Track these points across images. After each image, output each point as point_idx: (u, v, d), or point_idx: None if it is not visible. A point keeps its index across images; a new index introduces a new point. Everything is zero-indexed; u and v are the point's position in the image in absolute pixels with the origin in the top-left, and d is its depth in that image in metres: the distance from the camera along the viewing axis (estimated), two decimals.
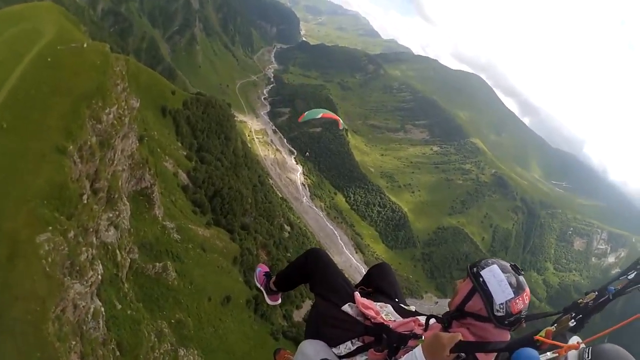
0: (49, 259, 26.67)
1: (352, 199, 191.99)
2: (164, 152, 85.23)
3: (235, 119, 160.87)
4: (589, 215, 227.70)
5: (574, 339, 2.50)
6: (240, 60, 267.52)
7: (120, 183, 49.06)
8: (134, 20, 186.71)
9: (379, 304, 3.68)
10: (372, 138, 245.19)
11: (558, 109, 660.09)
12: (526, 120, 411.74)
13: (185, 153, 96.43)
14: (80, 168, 36.49)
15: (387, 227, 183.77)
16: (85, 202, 35.54)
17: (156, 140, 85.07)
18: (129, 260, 48.99)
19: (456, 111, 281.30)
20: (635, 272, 2.81)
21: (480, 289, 2.73)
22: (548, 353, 2.33)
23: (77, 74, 42.59)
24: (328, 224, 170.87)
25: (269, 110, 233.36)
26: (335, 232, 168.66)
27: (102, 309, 34.75)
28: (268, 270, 4.98)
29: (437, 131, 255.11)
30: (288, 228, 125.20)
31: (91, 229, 36.35)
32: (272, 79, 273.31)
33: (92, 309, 32.24)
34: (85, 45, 48.24)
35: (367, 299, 3.72)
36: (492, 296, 2.69)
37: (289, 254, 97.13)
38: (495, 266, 2.75)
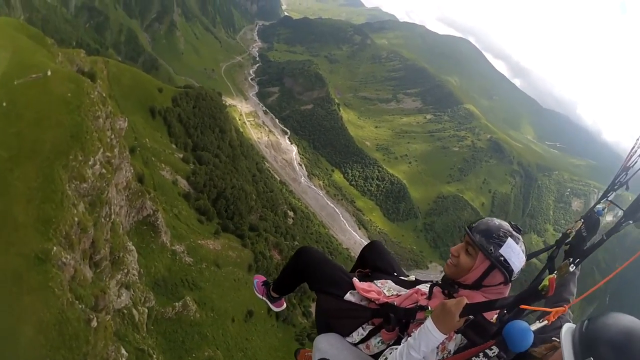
0: None
1: (350, 174, 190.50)
2: (159, 160, 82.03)
3: (225, 103, 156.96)
4: (585, 176, 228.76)
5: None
6: (223, 42, 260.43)
7: (121, 231, 44.79)
8: (109, 13, 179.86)
9: (379, 281, 3.65)
10: (364, 111, 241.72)
11: (549, 70, 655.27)
12: (517, 82, 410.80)
13: (181, 155, 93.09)
14: (73, 263, 30.95)
15: (388, 200, 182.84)
16: (95, 325, 29.53)
17: (149, 148, 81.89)
18: (147, 311, 46.21)
19: (447, 77, 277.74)
20: (614, 193, 3.02)
21: (502, 266, 2.80)
22: (537, 321, 2.36)
23: (42, 122, 35.19)
24: (328, 202, 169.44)
25: (257, 91, 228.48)
26: (337, 210, 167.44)
27: None
28: (265, 279, 4.87)
29: (429, 99, 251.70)
30: (291, 214, 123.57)
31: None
32: (257, 58, 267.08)
33: None
34: (49, 72, 40.37)
35: (366, 281, 3.69)
36: (512, 270, 2.81)
37: (296, 242, 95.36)
38: (510, 240, 2.81)
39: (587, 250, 2.58)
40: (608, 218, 3.08)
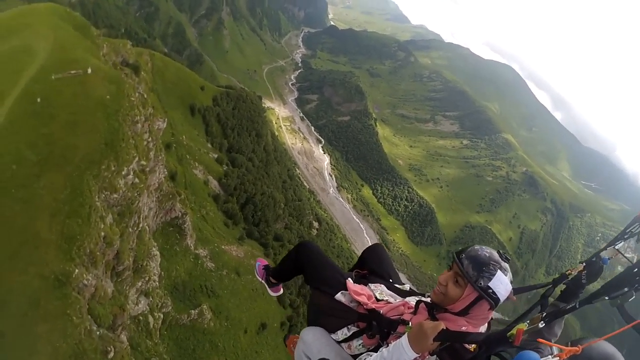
0: None
1: (379, 191, 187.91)
2: (193, 159, 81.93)
3: (263, 105, 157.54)
4: (618, 221, 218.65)
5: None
6: (267, 45, 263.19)
7: (147, 237, 43.48)
8: (160, 5, 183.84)
9: (373, 285, 3.81)
10: (400, 128, 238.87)
11: (592, 107, 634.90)
12: (558, 116, 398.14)
13: (216, 156, 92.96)
14: (94, 283, 29.37)
15: (414, 222, 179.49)
16: (112, 356, 28.33)
17: (185, 145, 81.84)
18: (162, 316, 45.54)
19: (487, 103, 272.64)
20: (622, 242, 3.03)
21: (490, 298, 2.83)
22: (549, 356, 2.42)
23: (76, 125, 32.82)
24: (354, 216, 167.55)
25: (296, 96, 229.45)
26: (361, 226, 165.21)
27: None
28: (267, 263, 5.11)
29: (467, 124, 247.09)
30: (316, 224, 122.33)
31: None
32: (299, 64, 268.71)
33: None
34: (89, 70, 37.37)
35: (361, 282, 3.87)
36: (499, 300, 2.85)
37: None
38: (499, 273, 2.82)
39: (560, 312, 2.57)
40: (619, 268, 2.74)
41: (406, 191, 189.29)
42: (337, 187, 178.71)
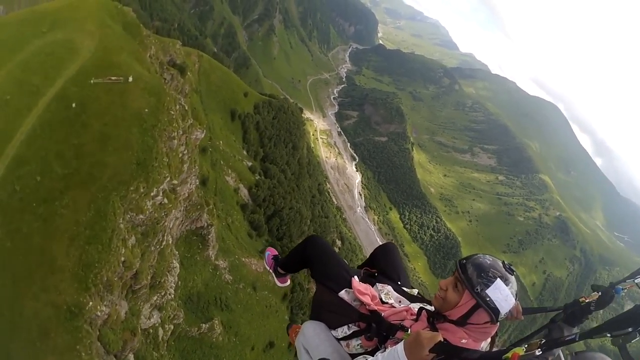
0: None
1: (407, 217, 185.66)
2: (227, 165, 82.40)
3: (303, 116, 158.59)
4: None
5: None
6: (314, 56, 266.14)
7: (168, 252, 41.67)
8: (214, 5, 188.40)
9: (380, 285, 3.78)
10: (437, 156, 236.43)
11: (634, 156, 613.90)
12: (598, 162, 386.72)
13: (249, 164, 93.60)
14: (108, 311, 28.17)
15: (437, 253, 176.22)
16: None
17: (220, 151, 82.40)
18: (172, 327, 44.70)
19: (527, 141, 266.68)
20: None
21: (488, 307, 2.76)
22: None
23: (109, 139, 30.88)
24: (378, 239, 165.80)
25: (337, 110, 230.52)
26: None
27: None
28: (277, 253, 5.16)
29: (505, 159, 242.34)
30: (339, 243, 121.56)
31: None
32: (344, 79, 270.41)
33: None
34: (130, 79, 35.37)
35: (368, 281, 3.84)
36: (499, 311, 2.77)
37: None
38: (498, 281, 2.76)
39: (558, 342, 2.51)
40: (627, 305, 2.79)
41: (434, 220, 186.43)
42: (364, 207, 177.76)
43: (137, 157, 32.27)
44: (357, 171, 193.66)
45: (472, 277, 2.78)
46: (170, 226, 43.35)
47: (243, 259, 68.95)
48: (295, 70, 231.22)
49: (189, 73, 78.35)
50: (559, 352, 2.62)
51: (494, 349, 3.05)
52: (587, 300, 3.20)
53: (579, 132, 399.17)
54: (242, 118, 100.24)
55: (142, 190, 32.25)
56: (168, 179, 36.35)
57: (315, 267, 4.03)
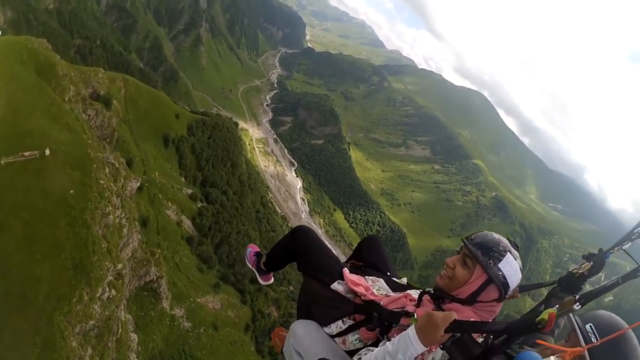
0: None
1: (352, 216, 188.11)
2: (166, 198, 79.06)
3: (237, 125, 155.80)
4: (585, 242, 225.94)
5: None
6: (244, 64, 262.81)
7: (125, 335, 38.45)
8: (138, 17, 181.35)
9: (370, 278, 3.59)
10: (373, 152, 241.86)
11: (559, 132, 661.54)
12: (525, 141, 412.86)
13: (190, 191, 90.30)
14: None
15: (386, 247, 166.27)
16: None
17: (157, 184, 78.93)
18: None
19: (458, 129, 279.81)
20: (629, 243, 3.08)
21: (499, 281, 2.72)
22: (551, 357, 2.28)
23: (35, 242, 26.19)
24: (327, 242, 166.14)
25: (271, 117, 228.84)
26: (334, 252, 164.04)
27: None
28: (258, 250, 4.86)
29: (438, 149, 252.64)
30: None
31: None
32: (275, 85, 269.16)
33: None
34: (47, 152, 30.33)
35: (358, 274, 3.62)
36: (509, 286, 2.74)
37: (291, 287, 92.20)
38: (509, 255, 2.75)
39: (598, 291, 2.46)
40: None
41: (378, 216, 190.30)
42: (309, 212, 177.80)
43: (72, 259, 27.89)
44: (297, 177, 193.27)
45: (483, 252, 2.74)
46: (122, 308, 39.26)
47: (198, 300, 66.28)
48: (225, 80, 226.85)
49: (115, 102, 73.91)
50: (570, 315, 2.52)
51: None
52: (580, 272, 3.27)
53: (505, 115, 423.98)
54: (176, 142, 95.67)
55: (86, 297, 27.84)
56: (111, 268, 32.03)
57: (304, 258, 3.77)
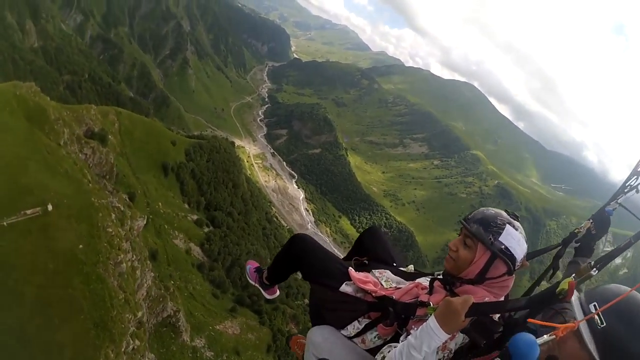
0: None
1: (357, 221, 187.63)
2: (172, 227, 78.64)
3: (234, 143, 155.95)
4: None
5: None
6: (233, 82, 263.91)
7: None
8: (124, 47, 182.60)
9: (376, 271, 3.48)
10: (371, 155, 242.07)
11: (553, 112, 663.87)
12: (520, 125, 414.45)
13: (195, 217, 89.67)
14: None
15: (395, 247, 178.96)
16: None
17: (162, 214, 78.63)
18: None
19: (453, 122, 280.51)
20: (624, 196, 3.20)
21: (504, 255, 2.68)
22: (545, 336, 2.20)
23: (49, 305, 24.79)
24: (335, 250, 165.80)
25: (265, 132, 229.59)
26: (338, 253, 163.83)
27: None
28: (258, 265, 4.77)
29: (435, 144, 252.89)
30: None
31: None
32: (266, 99, 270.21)
33: None
34: (49, 207, 28.63)
35: (363, 270, 3.56)
36: (514, 258, 2.69)
37: (306, 300, 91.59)
38: (508, 227, 2.69)
39: (612, 254, 2.38)
40: (617, 260, 2.83)
41: (384, 218, 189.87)
42: (315, 222, 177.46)
43: (91, 318, 26.51)
44: (298, 188, 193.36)
45: (481, 229, 2.69)
46: (146, 355, 37.11)
47: (217, 327, 65.53)
48: (216, 100, 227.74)
49: (110, 137, 73.95)
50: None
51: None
52: (582, 230, 3.26)
53: (497, 103, 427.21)
54: (175, 170, 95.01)
55: (112, 354, 26.46)
56: (132, 318, 30.44)
57: (307, 266, 3.63)
